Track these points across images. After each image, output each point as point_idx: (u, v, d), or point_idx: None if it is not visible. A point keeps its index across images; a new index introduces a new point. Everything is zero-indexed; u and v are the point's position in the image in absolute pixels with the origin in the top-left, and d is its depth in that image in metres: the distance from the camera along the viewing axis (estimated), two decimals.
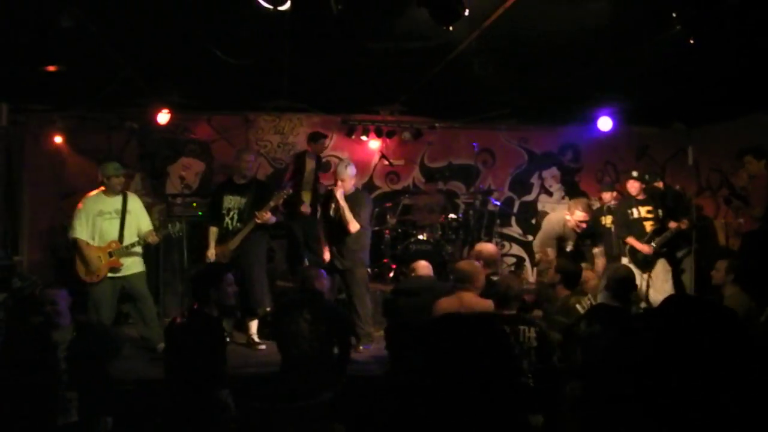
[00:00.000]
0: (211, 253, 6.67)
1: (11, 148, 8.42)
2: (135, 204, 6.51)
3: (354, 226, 6.36)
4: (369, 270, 7.22)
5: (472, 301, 4.72)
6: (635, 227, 7.57)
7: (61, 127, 8.39)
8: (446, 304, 4.71)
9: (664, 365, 2.22)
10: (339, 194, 6.38)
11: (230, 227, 6.67)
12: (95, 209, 6.31)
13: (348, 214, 6.32)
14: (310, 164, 8.20)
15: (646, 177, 7.87)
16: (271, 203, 6.49)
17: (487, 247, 5.77)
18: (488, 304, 4.56)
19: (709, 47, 5.24)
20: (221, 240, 6.69)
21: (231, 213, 6.70)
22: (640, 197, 7.66)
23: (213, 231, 6.75)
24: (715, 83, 6.96)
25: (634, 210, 7.63)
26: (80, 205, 6.37)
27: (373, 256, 8.95)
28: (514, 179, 9.99)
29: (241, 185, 6.77)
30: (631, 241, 7.48)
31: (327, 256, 6.77)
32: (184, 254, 7.06)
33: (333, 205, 6.58)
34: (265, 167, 9.28)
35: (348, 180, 6.45)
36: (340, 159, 8.10)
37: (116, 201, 6.38)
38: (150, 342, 6.36)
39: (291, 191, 6.94)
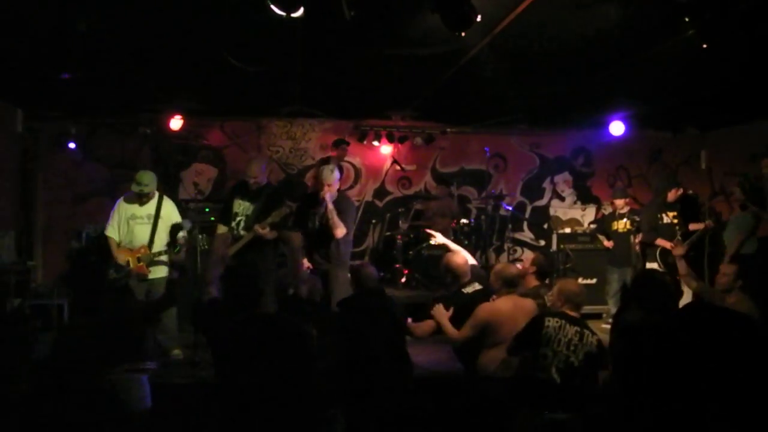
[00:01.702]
0: (216, 250, 6.49)
1: (26, 154, 8.52)
2: (168, 209, 6.42)
3: (341, 231, 6.18)
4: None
5: (521, 302, 5.03)
6: (666, 232, 7.42)
7: (75, 133, 8.48)
8: (502, 304, 4.90)
9: (683, 371, 2.22)
10: (328, 198, 6.17)
11: (235, 232, 6.41)
12: (128, 212, 6.29)
13: (336, 219, 6.13)
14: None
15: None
16: (269, 219, 6.15)
17: (455, 259, 5.68)
18: (531, 303, 4.93)
19: (721, 52, 5.22)
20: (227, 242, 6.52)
21: (238, 218, 6.42)
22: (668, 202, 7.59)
23: (221, 229, 6.49)
24: (727, 88, 6.93)
25: (664, 215, 7.52)
26: (116, 205, 6.38)
27: (385, 261, 9.03)
28: (526, 184, 9.99)
29: (253, 191, 6.45)
30: (661, 242, 7.29)
31: (307, 264, 6.53)
32: (197, 259, 6.99)
33: (319, 211, 6.36)
34: (277, 172, 9.33)
35: (334, 184, 6.26)
36: (325, 163, 7.80)
37: (150, 206, 6.32)
38: (163, 348, 6.25)
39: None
